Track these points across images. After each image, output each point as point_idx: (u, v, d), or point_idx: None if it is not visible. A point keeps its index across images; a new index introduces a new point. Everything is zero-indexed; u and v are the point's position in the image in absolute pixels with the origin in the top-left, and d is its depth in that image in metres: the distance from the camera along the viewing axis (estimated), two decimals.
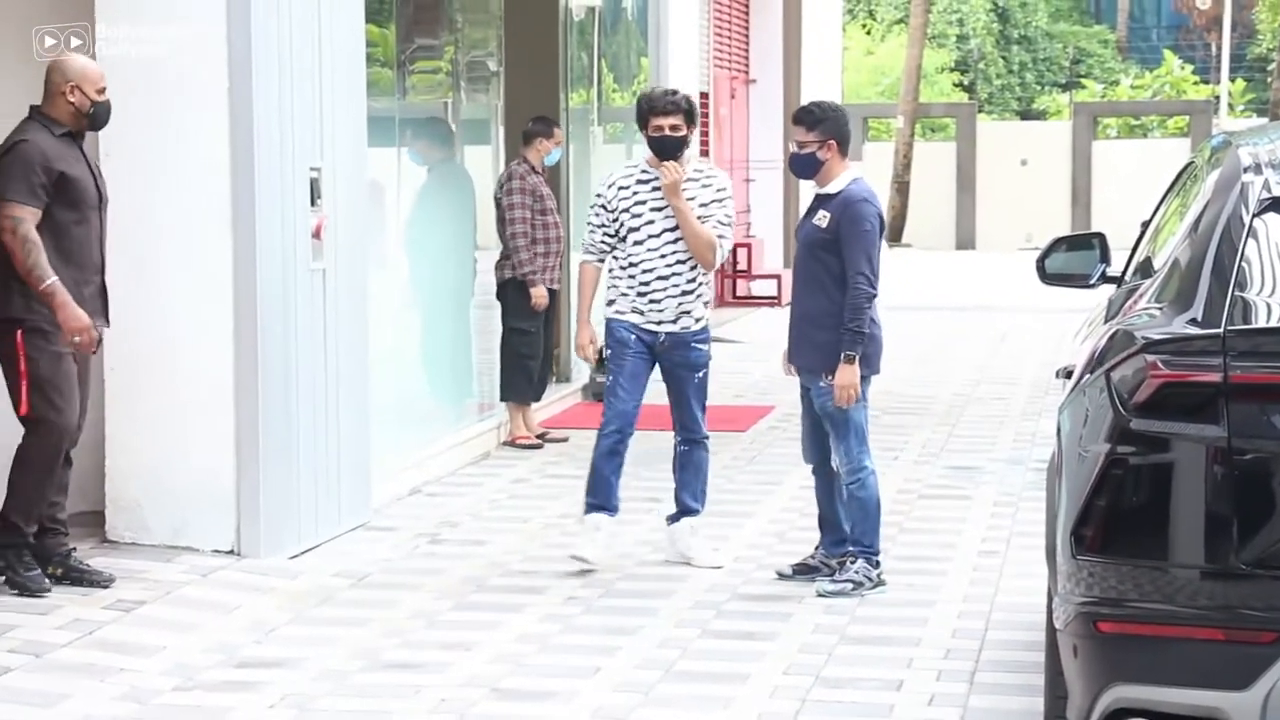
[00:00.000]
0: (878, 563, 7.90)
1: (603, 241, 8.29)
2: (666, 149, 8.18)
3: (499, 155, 12.12)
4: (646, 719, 6.19)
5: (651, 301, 8.20)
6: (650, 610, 7.54)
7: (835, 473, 7.93)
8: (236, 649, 6.98)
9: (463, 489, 10.24)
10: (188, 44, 8.08)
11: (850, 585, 7.78)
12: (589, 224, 8.34)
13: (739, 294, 21.13)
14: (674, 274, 8.18)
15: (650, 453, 10.03)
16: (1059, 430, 5.24)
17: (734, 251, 21.64)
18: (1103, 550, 4.71)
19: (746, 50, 22.34)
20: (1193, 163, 6.55)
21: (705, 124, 19.29)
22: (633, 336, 8.20)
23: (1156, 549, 4.66)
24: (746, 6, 22.32)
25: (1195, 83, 47.02)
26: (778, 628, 7.28)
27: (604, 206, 8.27)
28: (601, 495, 8.25)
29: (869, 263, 7.73)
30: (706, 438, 8.42)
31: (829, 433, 7.85)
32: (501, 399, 11.64)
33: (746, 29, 22.34)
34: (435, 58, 11.34)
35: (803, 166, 7.92)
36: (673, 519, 8.44)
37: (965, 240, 37.24)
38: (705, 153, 19.21)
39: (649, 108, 8.24)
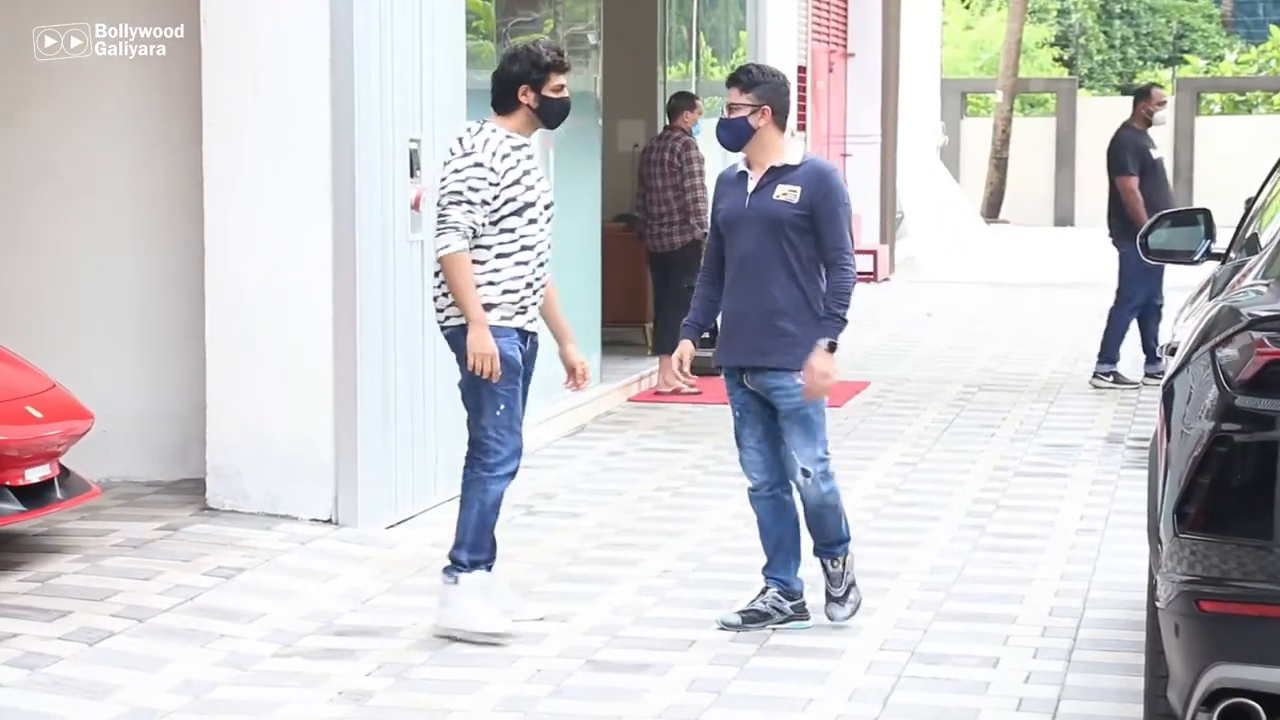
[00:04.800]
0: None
1: (480, 224, 6.66)
2: (565, 115, 6.89)
3: (597, 127, 12.12)
4: (741, 691, 6.19)
5: (536, 294, 6.80)
6: (744, 584, 7.52)
7: (787, 492, 6.96)
8: (335, 616, 7.04)
9: (558, 461, 10.27)
10: (290, 15, 8.13)
11: (856, 600, 7.03)
12: (466, 202, 6.61)
13: None
14: (547, 259, 6.86)
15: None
16: (1162, 407, 5.19)
17: None
18: (1206, 528, 4.67)
19: (845, 24, 22.23)
20: None
21: (803, 98, 19.21)
22: (520, 353, 6.79)
23: (1260, 528, 4.61)
24: None
25: None
26: (873, 603, 7.25)
27: (487, 180, 6.64)
28: (490, 548, 6.88)
29: (850, 240, 6.78)
30: None
31: (796, 437, 6.85)
32: (661, 352, 12.66)
33: (845, 2, 22.23)
34: (535, 31, 11.35)
35: (732, 133, 6.75)
36: None
37: (1064, 217, 36.92)
38: (802, 127, 19.13)
39: (553, 62, 6.69)
